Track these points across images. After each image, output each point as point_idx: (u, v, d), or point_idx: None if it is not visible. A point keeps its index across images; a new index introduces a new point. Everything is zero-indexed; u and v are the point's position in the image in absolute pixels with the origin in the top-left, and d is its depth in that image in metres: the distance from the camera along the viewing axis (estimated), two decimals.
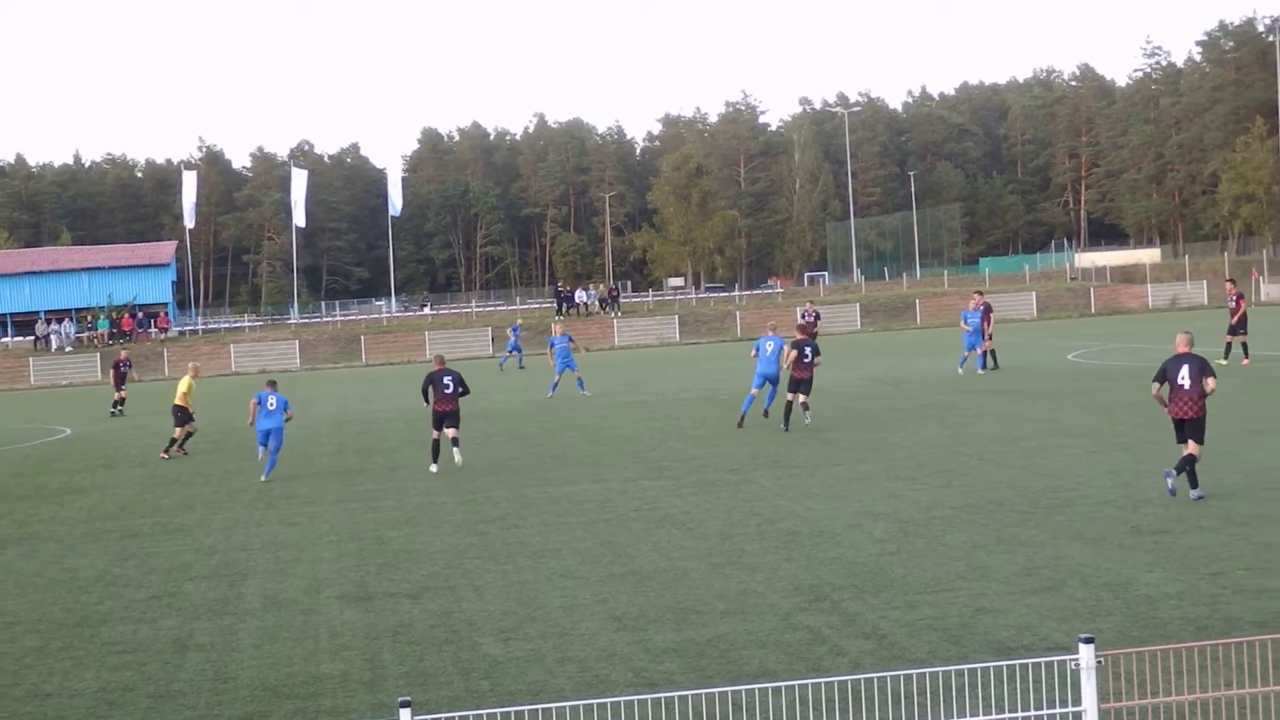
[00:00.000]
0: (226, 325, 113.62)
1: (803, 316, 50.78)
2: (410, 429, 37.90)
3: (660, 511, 21.95)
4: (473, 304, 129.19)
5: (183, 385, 35.26)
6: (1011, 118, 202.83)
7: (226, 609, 16.68)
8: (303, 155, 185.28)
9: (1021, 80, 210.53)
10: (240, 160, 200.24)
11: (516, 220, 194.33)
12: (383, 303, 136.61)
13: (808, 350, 32.52)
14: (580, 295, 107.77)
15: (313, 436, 38.17)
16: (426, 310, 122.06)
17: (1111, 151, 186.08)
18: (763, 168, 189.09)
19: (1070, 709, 7.85)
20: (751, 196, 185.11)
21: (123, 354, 56.48)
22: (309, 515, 23.94)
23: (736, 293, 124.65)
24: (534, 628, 14.77)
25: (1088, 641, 7.69)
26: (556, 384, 46.57)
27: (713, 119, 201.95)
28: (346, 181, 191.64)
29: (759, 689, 8.55)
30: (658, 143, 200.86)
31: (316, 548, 20.69)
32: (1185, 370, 20.27)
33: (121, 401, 50.51)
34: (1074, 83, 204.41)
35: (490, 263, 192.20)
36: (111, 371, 52.90)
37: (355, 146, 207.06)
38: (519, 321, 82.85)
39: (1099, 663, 7.71)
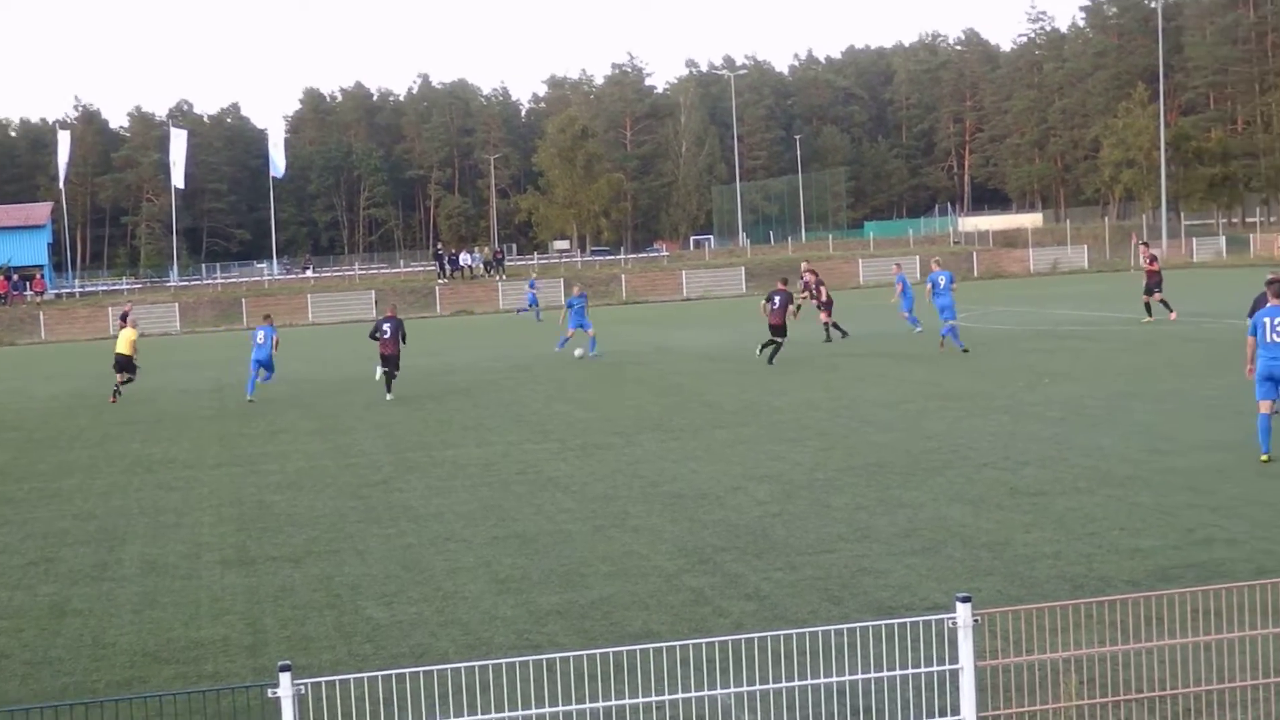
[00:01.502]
0: (105, 288, 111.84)
1: (804, 275, 51.88)
2: (293, 392, 37.59)
3: (544, 474, 21.94)
4: (355, 266, 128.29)
5: (130, 335, 38.64)
6: (897, 82, 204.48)
7: (105, 574, 16.47)
8: (182, 115, 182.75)
9: (907, 45, 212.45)
10: (118, 120, 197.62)
11: (400, 182, 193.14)
12: (264, 265, 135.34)
13: (776, 299, 38.54)
14: (464, 258, 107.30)
15: (193, 400, 37.74)
16: (308, 273, 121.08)
17: (995, 116, 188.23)
18: (648, 130, 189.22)
19: (948, 666, 7.95)
20: (637, 159, 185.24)
21: None
22: (189, 480, 23.67)
23: (622, 256, 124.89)
24: (417, 591, 14.72)
25: (965, 600, 7.79)
26: (566, 339, 45.99)
27: (599, 81, 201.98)
28: (227, 142, 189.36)
29: (642, 649, 8.59)
30: (543, 105, 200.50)
31: (197, 512, 20.47)
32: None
33: None
34: (959, 47, 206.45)
35: (373, 225, 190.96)
36: None
37: (236, 107, 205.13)
38: (535, 276, 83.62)
39: (976, 621, 7.81)
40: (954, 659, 7.85)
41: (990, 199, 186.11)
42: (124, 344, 38.37)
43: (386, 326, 34.64)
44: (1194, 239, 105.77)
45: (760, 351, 38.70)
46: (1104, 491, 18.09)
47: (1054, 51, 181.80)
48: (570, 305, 47.18)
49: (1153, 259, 46.01)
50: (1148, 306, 45.25)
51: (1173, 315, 43.81)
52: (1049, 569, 14.21)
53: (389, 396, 34.22)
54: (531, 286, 77.49)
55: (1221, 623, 10.68)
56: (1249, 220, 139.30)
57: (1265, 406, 19.79)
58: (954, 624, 7.81)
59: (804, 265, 52.24)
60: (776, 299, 38.58)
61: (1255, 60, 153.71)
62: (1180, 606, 10.26)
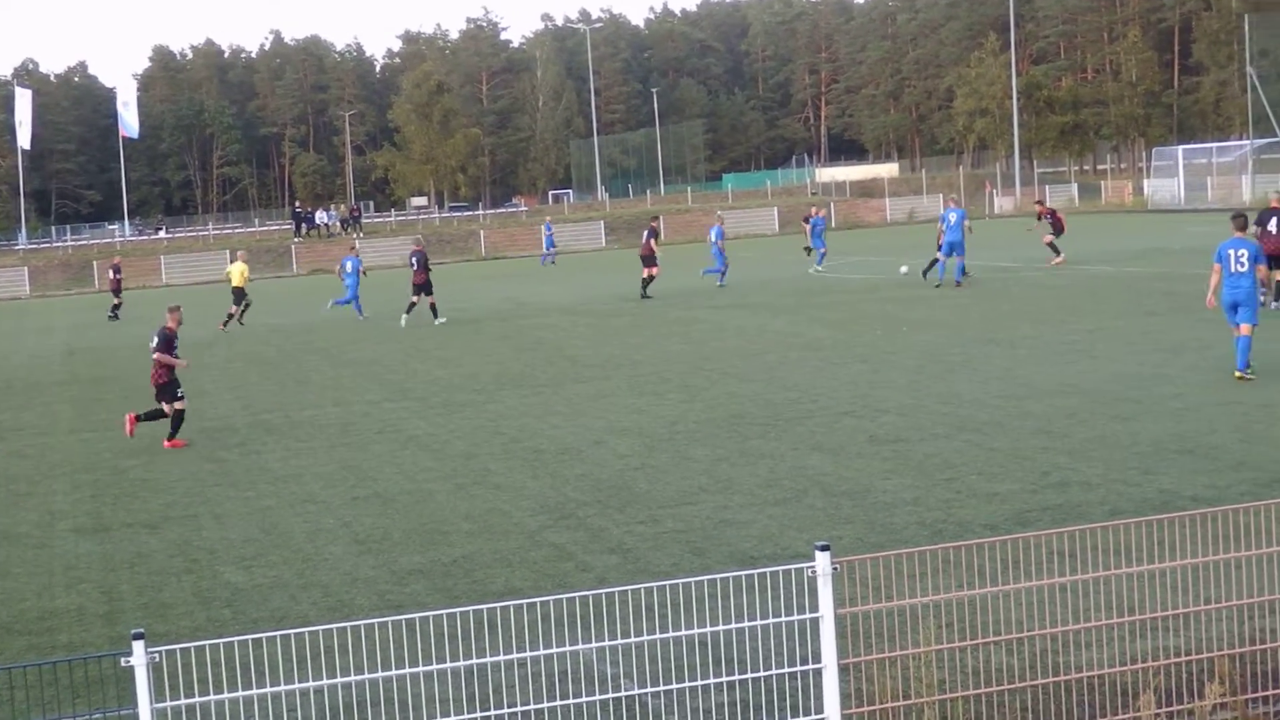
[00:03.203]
0: None
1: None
2: (148, 355, 36.87)
3: (404, 433, 21.76)
4: (209, 226, 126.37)
5: (240, 268, 45.08)
6: (753, 34, 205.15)
7: None
8: (27, 74, 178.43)
9: None
10: None
11: (254, 140, 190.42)
12: (116, 226, 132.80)
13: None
14: (321, 216, 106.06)
15: (44, 365, 36.97)
16: (161, 234, 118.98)
17: (850, 68, 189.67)
18: (505, 85, 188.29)
19: (808, 615, 7.98)
20: (494, 114, 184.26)
21: None
22: (41, 446, 23.17)
23: (481, 211, 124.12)
24: (276, 554, 14.52)
25: (824, 549, 7.81)
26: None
27: (454, 36, 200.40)
28: (75, 102, 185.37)
29: (503, 607, 8.53)
30: (398, 60, 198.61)
31: (50, 480, 20.03)
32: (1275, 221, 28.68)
33: None
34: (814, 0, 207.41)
35: (227, 184, 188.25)
36: None
37: (83, 65, 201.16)
38: (549, 219, 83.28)
39: (835, 569, 7.84)
40: (815, 607, 7.87)
41: (847, 150, 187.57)
42: (236, 277, 44.88)
43: (414, 260, 40.62)
44: (1046, 186, 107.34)
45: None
46: (961, 437, 18.30)
47: (907, 2, 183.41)
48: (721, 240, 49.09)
49: (1052, 211, 45.98)
50: (1052, 246, 44.92)
51: (1058, 260, 44.30)
52: (908, 515, 14.34)
53: (438, 320, 39.74)
54: (548, 229, 77.38)
55: (1077, 564, 10.85)
56: (1100, 167, 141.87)
57: (1244, 329, 21.41)
58: (814, 573, 7.83)
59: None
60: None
61: (1104, 10, 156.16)
62: (1037, 549, 10.39)
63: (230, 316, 43.99)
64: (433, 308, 40.26)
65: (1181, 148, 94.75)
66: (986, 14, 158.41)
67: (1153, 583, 9.92)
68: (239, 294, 44.43)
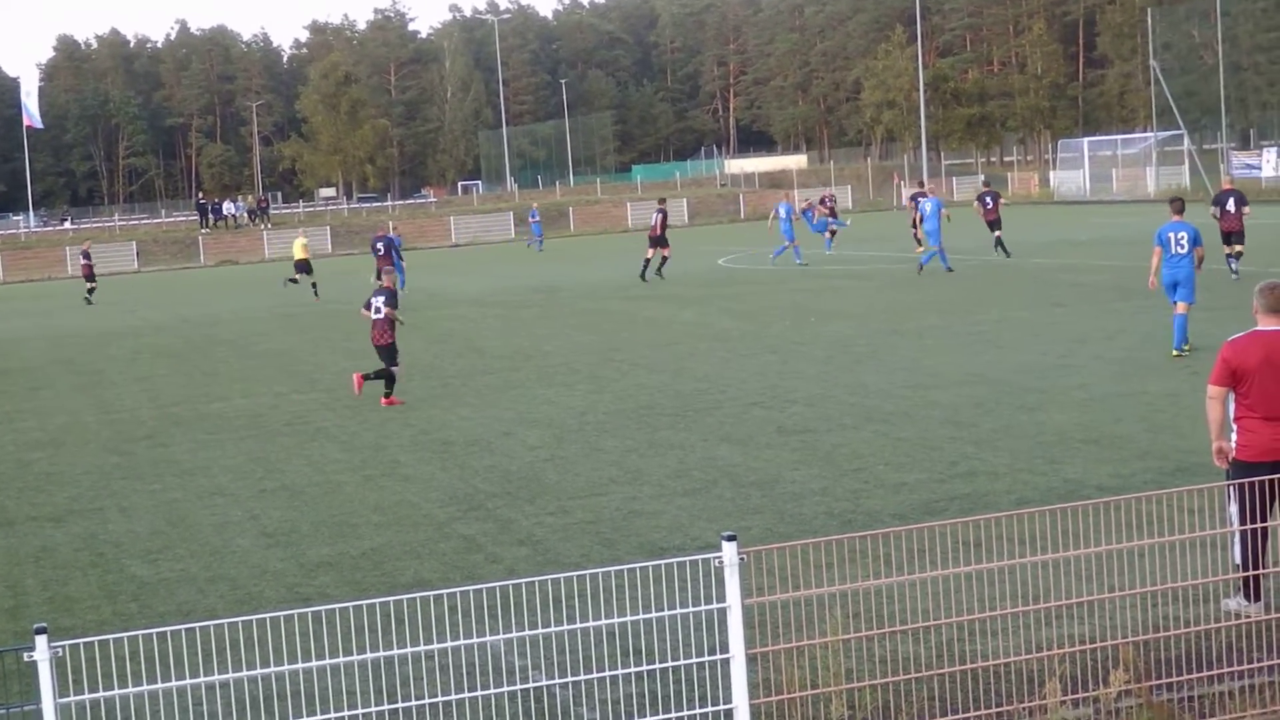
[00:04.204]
0: None
1: (824, 202, 53.37)
2: (53, 347, 36.47)
3: (313, 425, 21.60)
4: (115, 217, 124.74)
5: (301, 242, 52.14)
6: (661, 25, 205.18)
7: None
8: None
9: None
10: None
11: (160, 131, 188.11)
12: (20, 218, 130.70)
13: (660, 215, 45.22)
14: (228, 207, 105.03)
15: None
16: (67, 225, 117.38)
17: (759, 59, 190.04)
18: (413, 76, 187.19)
19: (716, 605, 7.99)
20: (403, 105, 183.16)
21: None
22: None
23: (390, 202, 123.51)
24: (184, 547, 14.37)
25: (730, 539, 7.81)
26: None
27: (361, 26, 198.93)
28: None
29: (410, 599, 8.47)
30: (305, 51, 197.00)
31: None
32: (1232, 200, 33.41)
33: None
34: None
35: (134, 175, 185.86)
36: None
37: None
38: (536, 205, 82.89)
39: (742, 559, 7.84)
40: (723, 598, 7.88)
41: (756, 141, 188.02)
42: (298, 251, 50.58)
43: (379, 245, 43.75)
44: (954, 178, 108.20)
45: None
46: (870, 428, 18.40)
47: None
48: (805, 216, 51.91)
49: (994, 197, 46.11)
50: (999, 241, 44.85)
51: (919, 248, 44.74)
52: (817, 505, 14.41)
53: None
54: (533, 216, 76.79)
55: (984, 553, 10.93)
56: (1006, 159, 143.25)
57: (1182, 307, 22.49)
58: (720, 563, 7.83)
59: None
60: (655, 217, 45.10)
61: (1009, 3, 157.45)
62: (944, 538, 10.48)
63: (314, 286, 48.23)
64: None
65: (1087, 140, 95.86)
66: (893, 6, 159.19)
67: (1059, 571, 10.02)
68: (303, 265, 49.65)
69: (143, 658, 7.75)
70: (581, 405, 21.77)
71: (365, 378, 23.40)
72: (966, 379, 21.80)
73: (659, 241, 44.97)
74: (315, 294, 47.69)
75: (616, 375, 24.88)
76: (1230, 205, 33.60)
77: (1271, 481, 9.47)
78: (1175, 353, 22.30)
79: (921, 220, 43.37)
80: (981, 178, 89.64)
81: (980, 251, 45.32)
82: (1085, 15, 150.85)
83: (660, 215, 45.45)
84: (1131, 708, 8.49)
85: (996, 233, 44.90)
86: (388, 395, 23.09)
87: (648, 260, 45.22)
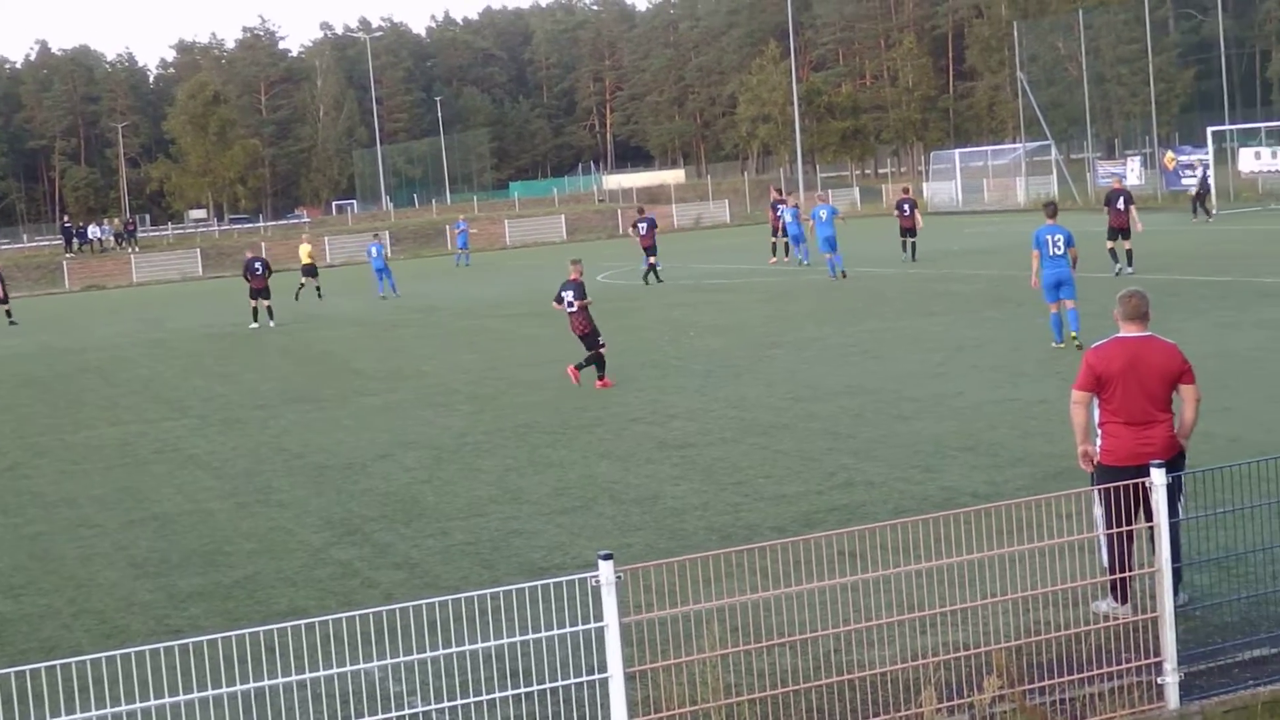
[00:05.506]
0: None
1: (900, 206, 53.03)
2: None
3: (184, 452, 21.22)
4: None
5: (306, 248, 52.59)
6: (536, 42, 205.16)
7: None
8: None
9: (544, 4, 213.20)
10: None
11: (21, 153, 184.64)
12: None
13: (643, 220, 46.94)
14: (93, 230, 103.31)
15: None
16: None
17: (635, 75, 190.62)
18: (285, 95, 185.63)
19: (595, 625, 7.90)
20: (274, 124, 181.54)
21: None
22: None
23: (262, 223, 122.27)
24: (48, 581, 14.02)
25: (607, 558, 7.75)
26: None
27: (230, 45, 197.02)
28: None
29: (280, 628, 8.28)
30: (172, 70, 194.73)
31: None
32: (1122, 199, 36.24)
33: None
34: (595, 7, 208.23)
35: None
36: None
37: None
38: (463, 218, 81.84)
39: (620, 578, 7.78)
40: (601, 617, 7.80)
41: (633, 156, 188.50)
42: (303, 256, 51.81)
43: (257, 265, 42.55)
44: (829, 191, 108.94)
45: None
46: (749, 441, 18.41)
47: (688, 10, 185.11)
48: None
49: (912, 206, 47.45)
50: (909, 246, 46.71)
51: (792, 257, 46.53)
52: (698, 520, 14.37)
53: (271, 324, 41.71)
54: (459, 227, 76.83)
55: (863, 563, 10.92)
56: (880, 171, 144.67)
57: (1054, 307, 24.10)
58: (598, 582, 7.76)
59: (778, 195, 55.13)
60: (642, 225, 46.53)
61: (880, 17, 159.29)
62: (824, 550, 10.43)
63: (304, 286, 50.64)
64: (270, 310, 42.59)
65: (958, 151, 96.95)
66: (767, 22, 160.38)
67: (935, 579, 10.05)
68: (309, 269, 51.43)
69: (1, 697, 7.50)
70: (460, 425, 21.60)
71: (578, 367, 24.29)
72: (845, 390, 21.91)
73: (655, 250, 46.61)
74: (318, 294, 50.87)
75: (495, 393, 24.72)
76: (1120, 204, 36.58)
77: (1135, 485, 9.57)
78: (1057, 344, 23.86)
79: (784, 228, 45.88)
80: (858, 189, 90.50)
81: (858, 263, 45.68)
82: (954, 29, 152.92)
83: (649, 224, 46.97)
84: (1006, 712, 8.52)
85: (912, 239, 46.66)
86: (601, 378, 24.27)
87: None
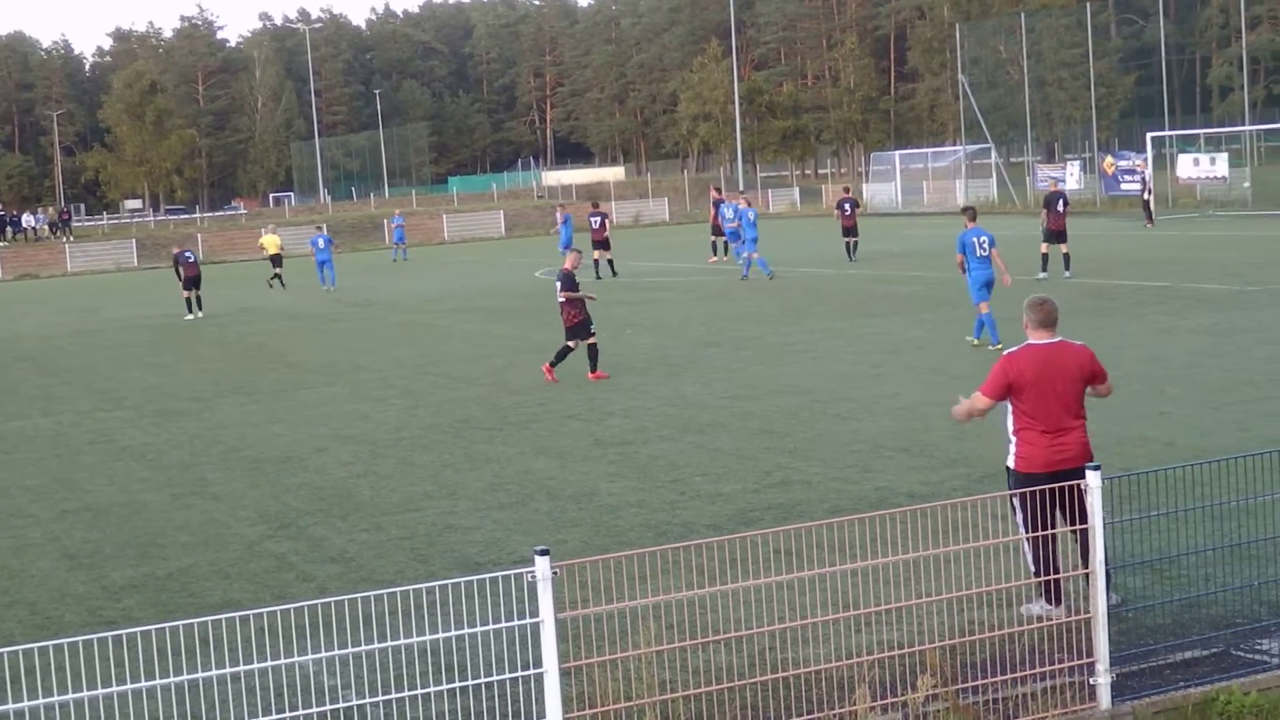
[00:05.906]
0: None
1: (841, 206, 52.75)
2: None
3: (118, 443, 21.07)
4: None
5: (273, 239, 53.23)
6: (477, 36, 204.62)
7: None
8: None
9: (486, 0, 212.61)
10: None
11: None
12: None
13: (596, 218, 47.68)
14: (27, 219, 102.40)
15: None
16: None
17: (576, 71, 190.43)
18: (222, 85, 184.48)
19: (530, 620, 7.92)
20: (212, 115, 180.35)
21: None
22: None
23: (199, 214, 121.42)
24: None
25: (543, 554, 7.77)
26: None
27: (168, 34, 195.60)
28: None
29: (214, 620, 8.28)
30: (109, 59, 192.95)
31: None
32: (1060, 201, 36.91)
33: None
34: (537, 2, 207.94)
35: None
36: None
37: None
38: (399, 212, 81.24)
39: (555, 574, 7.79)
40: (536, 612, 7.82)
41: (573, 153, 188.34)
42: (271, 247, 52.38)
43: (189, 254, 43.81)
44: (770, 190, 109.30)
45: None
46: (686, 439, 18.45)
47: (630, 7, 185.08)
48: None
49: (853, 205, 48.12)
50: (852, 246, 47.48)
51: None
52: (634, 517, 14.39)
53: (199, 314, 42.19)
54: (396, 221, 76.31)
55: (799, 561, 10.98)
56: (821, 171, 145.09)
57: (984, 307, 24.59)
58: (534, 578, 7.77)
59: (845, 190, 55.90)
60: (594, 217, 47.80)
61: (822, 17, 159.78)
62: (760, 548, 10.49)
63: (277, 276, 51.45)
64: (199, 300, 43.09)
65: (898, 153, 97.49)
66: (709, 20, 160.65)
67: (870, 578, 10.09)
68: (276, 259, 52.01)
69: None
70: (396, 420, 21.54)
71: (551, 365, 24.31)
72: (782, 389, 21.98)
73: (607, 245, 47.61)
74: (281, 284, 51.22)
75: (432, 389, 24.66)
76: (1059, 206, 37.32)
77: (1050, 490, 9.67)
78: (993, 346, 23.77)
79: (722, 225, 46.80)
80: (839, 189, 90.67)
81: (796, 263, 45.84)
82: (896, 30, 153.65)
83: (601, 218, 47.98)
84: (939, 711, 8.59)
85: (854, 239, 47.30)
86: (593, 370, 24.21)
87: (597, 261, 46.83)
